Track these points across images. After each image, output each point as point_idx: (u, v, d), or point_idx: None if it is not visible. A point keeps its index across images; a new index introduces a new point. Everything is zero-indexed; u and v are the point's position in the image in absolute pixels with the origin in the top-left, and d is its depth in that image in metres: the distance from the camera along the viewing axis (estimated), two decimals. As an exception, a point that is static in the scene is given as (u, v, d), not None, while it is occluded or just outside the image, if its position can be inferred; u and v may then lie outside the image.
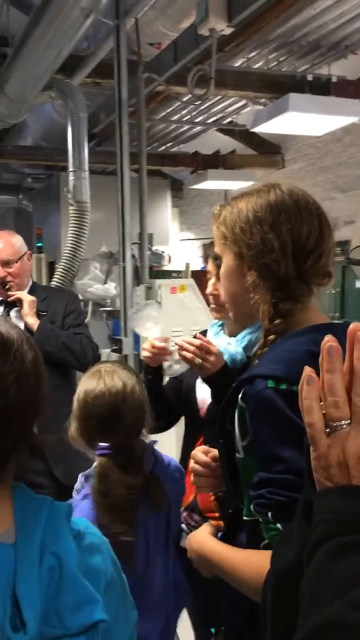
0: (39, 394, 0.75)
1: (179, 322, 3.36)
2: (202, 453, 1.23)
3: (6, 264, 2.33)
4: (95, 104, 5.26)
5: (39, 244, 6.84)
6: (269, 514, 0.85)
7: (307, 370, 0.64)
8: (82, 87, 4.20)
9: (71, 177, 3.89)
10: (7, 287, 2.33)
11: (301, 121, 4.52)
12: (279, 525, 0.84)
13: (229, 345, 1.64)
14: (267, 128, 4.71)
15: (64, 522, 0.72)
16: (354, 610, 0.51)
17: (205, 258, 1.76)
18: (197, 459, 1.22)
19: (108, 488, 1.25)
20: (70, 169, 3.88)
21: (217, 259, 1.51)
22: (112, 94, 3.87)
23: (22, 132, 6.04)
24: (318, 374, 0.63)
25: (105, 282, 4.72)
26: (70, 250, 3.91)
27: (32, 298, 2.32)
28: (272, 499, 0.84)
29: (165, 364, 1.71)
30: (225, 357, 1.60)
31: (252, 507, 0.89)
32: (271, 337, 0.98)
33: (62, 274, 3.95)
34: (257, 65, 4.50)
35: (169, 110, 5.10)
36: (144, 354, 1.59)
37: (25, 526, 0.70)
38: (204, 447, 1.25)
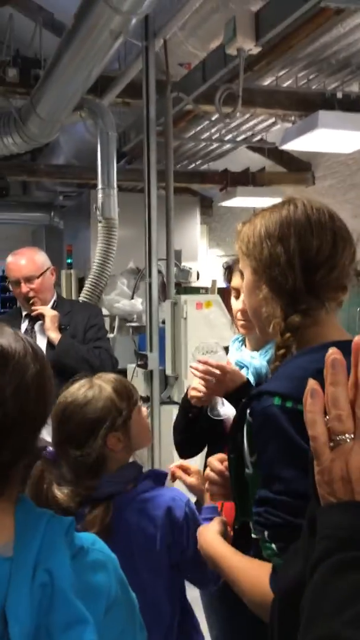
0: (42, 407, 0.75)
1: (204, 338, 3.35)
2: (217, 461, 1.22)
3: (28, 280, 2.38)
4: (126, 123, 5.36)
5: (69, 260, 6.95)
6: (265, 533, 0.84)
7: (312, 383, 0.62)
8: (112, 107, 4.29)
9: (100, 195, 3.96)
10: (31, 302, 2.37)
11: (331, 138, 4.51)
12: (273, 545, 0.83)
13: (253, 359, 1.62)
14: (297, 145, 4.70)
15: (62, 537, 0.71)
16: (349, 628, 0.50)
17: (228, 276, 1.75)
18: (212, 467, 1.21)
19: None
20: (99, 186, 3.95)
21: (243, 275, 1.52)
22: (142, 114, 3.94)
23: (54, 151, 6.19)
24: (324, 389, 0.62)
25: (132, 298, 4.75)
26: (98, 266, 3.96)
27: (54, 313, 2.36)
28: (268, 519, 0.84)
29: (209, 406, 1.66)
30: (250, 370, 1.58)
31: (251, 524, 0.89)
32: (281, 351, 0.97)
33: (90, 289, 3.99)
34: (286, 84, 4.52)
35: (198, 128, 5.15)
36: (193, 393, 1.51)
37: (23, 540, 0.69)
38: (220, 455, 1.23)
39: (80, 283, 6.01)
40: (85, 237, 6.46)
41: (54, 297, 2.50)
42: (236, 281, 1.68)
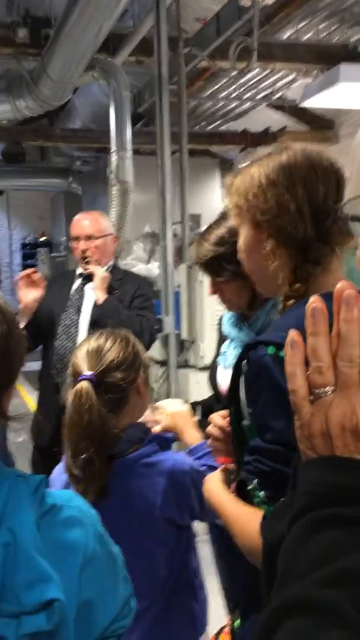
0: (6, 370, 0.73)
1: (220, 302, 3.32)
2: (219, 417, 1.21)
3: (88, 238, 2.44)
4: (141, 83, 5.23)
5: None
6: (255, 481, 0.85)
7: (292, 333, 0.59)
8: (126, 66, 4.18)
9: (114, 157, 3.90)
10: (87, 260, 2.40)
11: (354, 93, 4.33)
12: (262, 493, 0.84)
13: (240, 332, 1.57)
14: (318, 102, 4.53)
15: (27, 496, 0.70)
16: (322, 587, 0.48)
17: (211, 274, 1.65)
18: (214, 422, 1.20)
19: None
20: (113, 148, 3.89)
21: (215, 272, 1.48)
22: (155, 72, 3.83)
23: (70, 115, 6.10)
24: None
25: (148, 262, 4.72)
26: (114, 230, 3.92)
27: (106, 274, 2.39)
28: (257, 467, 0.84)
29: None
30: (238, 344, 1.55)
31: (241, 472, 0.89)
32: (290, 302, 0.95)
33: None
34: (306, 37, 4.33)
35: (215, 87, 5.00)
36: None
37: None
38: (222, 412, 1.21)
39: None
40: (103, 203, 6.38)
41: (110, 263, 2.53)
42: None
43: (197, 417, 1.68)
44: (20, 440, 3.25)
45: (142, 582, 1.30)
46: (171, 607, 1.30)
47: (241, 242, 1.04)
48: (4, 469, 0.73)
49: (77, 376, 1.24)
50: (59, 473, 1.33)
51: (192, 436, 1.41)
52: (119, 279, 2.47)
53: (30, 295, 2.28)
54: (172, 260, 3.45)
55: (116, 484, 1.24)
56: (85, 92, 5.23)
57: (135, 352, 1.31)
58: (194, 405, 1.77)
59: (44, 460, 2.40)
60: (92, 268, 2.39)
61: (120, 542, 1.28)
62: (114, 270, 2.53)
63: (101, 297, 2.35)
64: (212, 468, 1.31)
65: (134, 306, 2.43)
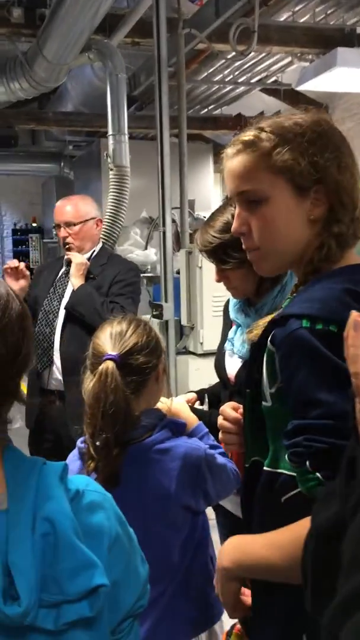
0: (24, 348, 0.72)
1: (221, 287, 3.30)
2: (231, 409, 1.17)
3: (68, 225, 2.42)
4: (135, 66, 5.16)
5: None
6: (307, 462, 0.79)
7: (354, 315, 0.58)
8: (121, 48, 4.11)
9: (111, 142, 3.84)
10: (67, 247, 2.38)
11: (350, 77, 4.30)
12: (318, 474, 0.78)
13: (247, 318, 1.56)
14: (314, 85, 4.50)
15: (57, 484, 0.69)
16: None
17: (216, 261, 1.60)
18: (226, 415, 1.16)
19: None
20: (110, 132, 3.83)
21: (221, 260, 1.44)
22: (152, 54, 3.76)
23: (62, 98, 6.00)
24: None
25: (145, 248, 4.69)
26: (111, 216, 3.88)
27: (82, 261, 2.36)
28: (311, 447, 0.78)
29: None
30: (245, 330, 1.53)
31: (287, 457, 0.84)
32: (309, 276, 0.92)
33: (103, 239, 3.93)
34: (303, 19, 4.29)
35: (211, 70, 4.95)
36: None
37: (17, 491, 0.67)
38: (233, 403, 1.19)
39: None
40: (96, 188, 6.34)
41: (96, 248, 2.49)
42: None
43: (205, 406, 1.67)
44: (17, 427, 3.24)
45: (155, 569, 1.29)
46: (185, 593, 1.29)
47: (272, 212, 0.94)
48: (27, 458, 0.71)
49: (98, 357, 1.23)
50: (73, 459, 1.32)
51: (189, 417, 1.39)
52: (102, 264, 2.44)
53: (16, 285, 2.28)
54: (172, 245, 3.42)
55: (130, 470, 1.23)
56: (77, 75, 5.14)
57: (156, 339, 1.31)
58: (201, 392, 1.75)
59: (32, 445, 2.42)
60: (70, 255, 2.39)
61: (133, 528, 1.29)
62: (99, 255, 2.49)
63: (76, 284, 2.33)
64: (214, 447, 1.32)
65: (111, 292, 2.39)
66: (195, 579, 1.32)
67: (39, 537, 0.65)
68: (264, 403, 0.87)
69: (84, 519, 0.69)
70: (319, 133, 0.91)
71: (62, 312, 2.36)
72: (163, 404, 1.36)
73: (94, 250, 2.48)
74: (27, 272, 2.31)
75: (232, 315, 1.58)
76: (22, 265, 2.30)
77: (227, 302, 1.70)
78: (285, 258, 0.97)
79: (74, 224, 2.40)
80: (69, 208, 2.43)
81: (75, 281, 2.34)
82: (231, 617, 0.98)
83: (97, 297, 2.34)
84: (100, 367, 1.20)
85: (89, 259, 2.43)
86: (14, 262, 2.31)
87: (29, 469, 0.69)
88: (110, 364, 1.20)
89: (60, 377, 2.34)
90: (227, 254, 1.44)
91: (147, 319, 1.45)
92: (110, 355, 1.21)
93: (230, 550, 0.95)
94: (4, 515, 0.65)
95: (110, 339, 1.25)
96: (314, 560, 0.66)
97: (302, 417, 0.81)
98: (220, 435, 1.21)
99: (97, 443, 1.20)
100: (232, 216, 1.45)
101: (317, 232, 0.93)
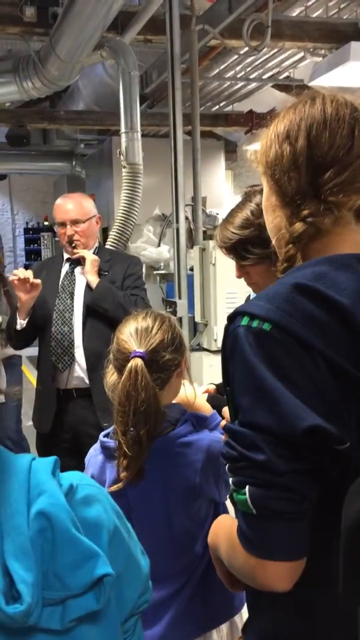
0: None
1: (234, 284, 3.31)
2: None
3: (75, 222, 2.41)
4: (146, 64, 5.16)
5: (93, 210, 6.87)
6: (227, 466, 0.79)
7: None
8: (133, 46, 4.11)
9: (123, 139, 3.84)
10: (74, 245, 2.39)
11: (363, 72, 4.28)
12: (231, 479, 0.77)
13: None
14: (327, 81, 4.47)
15: (49, 478, 0.67)
16: None
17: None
18: (227, 416, 1.17)
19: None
20: (122, 130, 3.83)
21: (240, 256, 1.42)
22: (164, 52, 3.76)
23: (74, 97, 6.02)
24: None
25: (158, 245, 4.69)
26: (124, 213, 3.89)
27: (95, 257, 2.38)
28: (227, 451, 0.78)
29: None
30: None
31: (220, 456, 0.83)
32: (283, 266, 0.85)
33: (116, 238, 3.94)
34: (316, 14, 4.27)
35: (222, 67, 4.94)
36: None
37: (6, 490, 0.65)
38: None
39: (104, 233, 5.96)
40: (107, 186, 6.36)
41: (96, 245, 2.52)
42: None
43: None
44: (29, 425, 3.26)
45: (179, 561, 1.29)
46: (207, 584, 1.29)
47: (262, 199, 0.95)
48: (14, 456, 0.70)
49: (124, 353, 1.23)
50: (94, 454, 1.33)
51: (202, 406, 1.39)
52: (107, 260, 2.45)
53: (27, 296, 2.26)
54: (185, 242, 3.42)
55: (154, 463, 1.23)
56: (89, 73, 5.15)
57: (180, 335, 1.31)
58: (220, 386, 1.76)
59: (45, 447, 2.41)
60: (81, 252, 2.38)
61: (156, 520, 1.29)
62: (100, 251, 2.51)
63: (94, 280, 2.34)
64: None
65: (126, 286, 2.43)
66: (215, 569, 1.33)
67: (36, 533, 0.63)
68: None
69: (80, 513, 0.67)
70: (282, 131, 0.88)
71: (78, 309, 2.37)
72: (183, 391, 1.37)
73: (95, 248, 2.50)
74: (38, 281, 2.25)
75: None
76: (29, 275, 2.24)
77: (249, 297, 1.70)
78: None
79: (82, 222, 2.41)
80: (73, 206, 2.42)
81: (91, 278, 2.35)
82: (231, 590, 0.98)
83: (117, 291, 2.37)
84: (129, 365, 1.20)
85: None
86: (22, 273, 2.26)
87: (17, 467, 0.68)
88: (139, 362, 1.19)
89: (82, 374, 2.34)
90: (246, 250, 1.44)
91: (167, 314, 1.45)
92: (138, 352, 1.21)
93: (213, 527, 0.98)
94: None
95: (136, 335, 1.24)
96: (347, 554, 0.66)
97: (233, 419, 0.80)
98: (222, 437, 1.21)
99: (129, 439, 1.19)
100: (252, 212, 1.45)
101: (281, 218, 0.87)
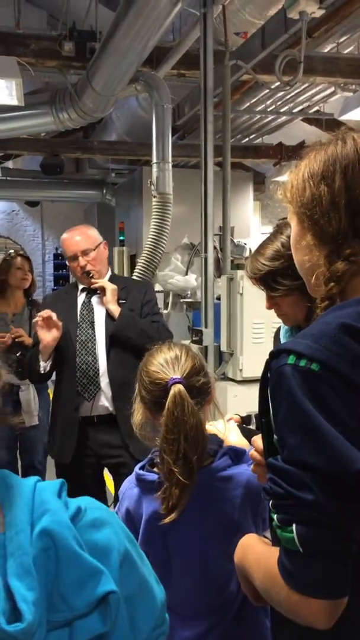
0: None
1: (261, 314, 3.30)
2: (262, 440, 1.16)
3: (85, 253, 2.43)
4: (178, 98, 5.28)
5: (121, 237, 6.97)
6: (270, 502, 0.79)
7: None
8: (166, 80, 4.22)
9: (154, 169, 3.91)
10: (91, 275, 2.40)
11: (394, 107, 4.30)
12: (275, 516, 0.77)
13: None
14: (357, 115, 4.51)
15: (53, 498, 0.66)
16: None
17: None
18: (257, 446, 1.11)
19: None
20: (154, 160, 3.91)
21: (270, 287, 1.44)
22: (196, 86, 3.84)
23: (107, 128, 6.17)
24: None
25: (186, 274, 4.72)
26: (153, 242, 3.93)
27: (114, 286, 2.40)
28: (272, 488, 0.78)
29: None
30: None
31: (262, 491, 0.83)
32: (324, 304, 0.86)
33: (144, 265, 3.98)
34: (347, 50, 4.33)
35: (253, 100, 5.02)
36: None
37: (12, 511, 0.64)
38: None
39: (132, 260, 6.03)
40: (137, 215, 6.45)
41: (109, 272, 2.54)
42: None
43: (252, 426, 1.65)
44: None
45: (214, 599, 1.25)
46: (241, 623, 1.25)
47: (291, 238, 0.97)
48: (21, 479, 0.69)
49: (158, 384, 1.22)
50: (129, 486, 1.30)
51: (240, 442, 1.37)
52: (123, 288, 2.46)
53: (49, 335, 2.27)
54: (213, 271, 3.44)
55: (198, 494, 1.20)
56: (122, 105, 5.29)
57: (203, 362, 1.30)
58: (247, 417, 1.74)
59: (67, 476, 2.39)
60: (100, 282, 2.40)
61: (192, 557, 1.25)
62: (114, 278, 2.53)
63: (115, 309, 2.35)
64: None
65: (145, 312, 2.45)
66: (251, 607, 1.29)
67: (39, 552, 0.62)
68: (274, 436, 0.84)
69: (89, 536, 0.66)
70: (316, 171, 0.91)
71: (100, 338, 2.37)
72: (214, 427, 1.35)
73: (109, 276, 2.51)
74: (59, 323, 2.28)
75: (283, 342, 1.58)
76: (53, 315, 2.28)
77: (279, 329, 1.70)
78: (310, 282, 0.94)
79: (92, 250, 2.43)
80: (80, 237, 2.45)
81: (113, 307, 2.36)
82: (255, 604, 0.98)
83: (139, 319, 2.38)
84: (172, 392, 1.18)
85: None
86: (46, 313, 2.29)
87: (22, 488, 0.67)
88: (180, 387, 1.18)
89: (107, 403, 2.34)
90: (276, 281, 1.44)
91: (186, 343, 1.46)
92: (175, 378, 1.20)
93: (239, 547, 0.98)
94: (1, 537, 0.63)
95: (168, 364, 1.24)
96: None
97: (277, 455, 0.80)
98: (251, 467, 1.17)
99: (180, 468, 1.16)
100: (282, 244, 1.46)
101: (320, 257, 0.89)
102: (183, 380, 1.20)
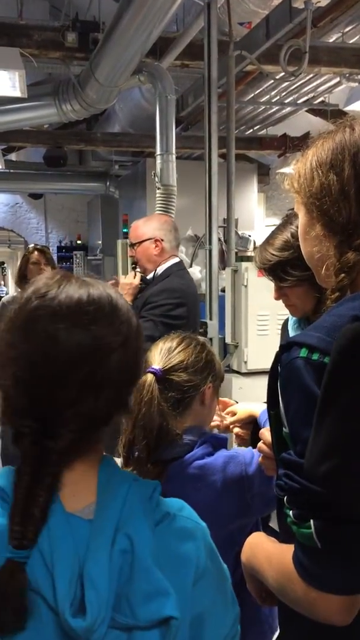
0: (140, 360, 0.73)
1: (266, 306, 3.29)
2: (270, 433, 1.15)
3: (131, 246, 2.49)
4: (182, 89, 5.24)
5: (125, 230, 6.95)
6: (285, 498, 0.77)
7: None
8: (170, 71, 4.19)
9: (158, 161, 3.89)
10: (134, 266, 2.45)
11: None
12: (290, 512, 0.76)
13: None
14: (362, 106, 4.50)
15: (144, 502, 0.68)
16: None
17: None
18: (265, 439, 1.12)
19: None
20: (158, 152, 3.88)
21: (279, 278, 1.45)
22: (200, 77, 3.81)
23: (110, 119, 6.14)
24: None
25: (190, 266, 4.71)
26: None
27: (127, 281, 2.40)
28: (286, 483, 0.76)
29: None
30: None
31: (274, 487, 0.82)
32: (335, 295, 0.84)
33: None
34: (352, 40, 4.29)
35: (257, 91, 4.99)
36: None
37: (104, 503, 0.66)
38: None
39: (136, 252, 6.02)
40: (141, 207, 6.43)
41: (160, 269, 2.45)
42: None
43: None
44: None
45: None
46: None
47: (299, 228, 0.96)
48: (120, 471, 0.71)
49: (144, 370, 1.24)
50: None
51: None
52: (143, 289, 2.45)
53: None
54: (218, 264, 3.43)
55: (171, 488, 1.18)
56: (125, 97, 5.26)
57: (208, 360, 1.30)
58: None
59: None
60: (120, 278, 2.48)
61: None
62: (159, 277, 2.47)
63: None
64: None
65: (142, 314, 2.39)
66: (244, 594, 1.29)
67: (118, 552, 0.63)
68: (283, 429, 0.84)
69: (170, 545, 0.67)
70: (324, 160, 0.91)
71: None
72: (220, 418, 1.36)
73: (155, 273, 2.46)
74: None
75: (292, 333, 1.58)
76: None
77: (287, 320, 1.69)
78: (319, 273, 0.93)
79: (134, 244, 2.45)
80: (132, 229, 2.49)
81: None
82: (261, 605, 0.98)
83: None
84: (141, 379, 1.19)
85: (152, 279, 2.45)
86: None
87: (119, 482, 0.68)
88: (149, 377, 1.21)
89: None
90: (285, 271, 1.44)
91: (205, 340, 1.44)
92: (152, 368, 1.22)
93: (246, 545, 0.97)
94: (88, 525, 0.64)
95: (158, 353, 1.27)
96: None
97: (290, 450, 0.79)
98: (259, 459, 1.17)
99: (130, 461, 1.19)
100: (292, 235, 1.45)
101: (330, 247, 0.87)
102: (159, 371, 1.21)
